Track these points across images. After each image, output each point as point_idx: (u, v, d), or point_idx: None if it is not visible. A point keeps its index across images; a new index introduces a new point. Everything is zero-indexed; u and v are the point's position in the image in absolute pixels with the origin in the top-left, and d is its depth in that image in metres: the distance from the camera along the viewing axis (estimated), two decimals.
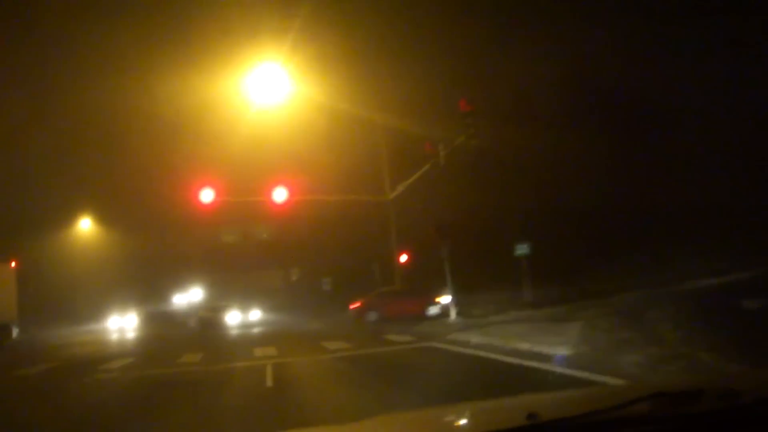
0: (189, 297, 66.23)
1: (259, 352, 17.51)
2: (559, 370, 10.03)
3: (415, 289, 29.85)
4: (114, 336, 33.97)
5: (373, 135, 35.36)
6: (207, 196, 29.59)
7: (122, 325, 39.66)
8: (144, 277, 55.81)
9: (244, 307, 41.12)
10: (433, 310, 27.01)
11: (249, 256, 66.08)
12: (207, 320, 37.30)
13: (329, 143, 38.37)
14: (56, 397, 12.02)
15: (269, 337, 24.83)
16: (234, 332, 31.05)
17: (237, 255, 64.75)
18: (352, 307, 30.11)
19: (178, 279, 63.63)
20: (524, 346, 12.93)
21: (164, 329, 38.37)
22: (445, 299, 27.89)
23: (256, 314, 41.83)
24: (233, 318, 38.25)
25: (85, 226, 50.33)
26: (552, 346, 12.40)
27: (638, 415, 2.30)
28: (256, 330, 31.77)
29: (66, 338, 32.80)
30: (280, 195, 30.51)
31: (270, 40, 29.88)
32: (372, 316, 27.53)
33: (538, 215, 40.51)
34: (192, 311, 55.14)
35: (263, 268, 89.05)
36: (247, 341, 23.01)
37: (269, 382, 11.43)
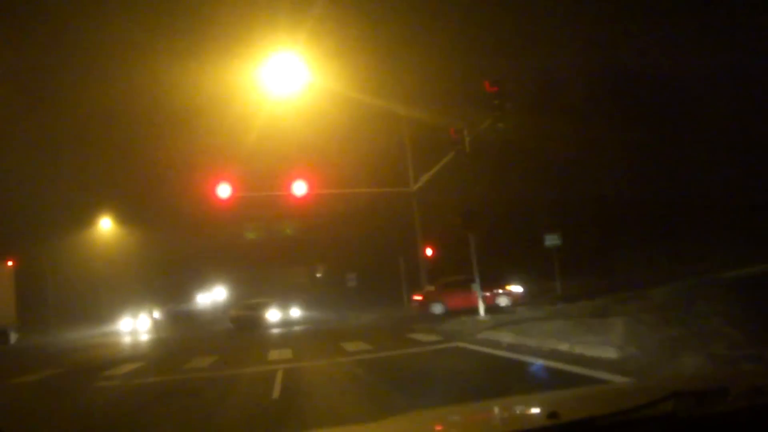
0: (213, 296, 65.63)
1: (274, 354, 16.26)
2: (608, 376, 8.56)
3: (480, 279, 28.22)
4: (127, 339, 32.81)
5: (394, 125, 33.94)
6: (224, 191, 28.59)
7: (136, 326, 37.62)
8: (166, 276, 55.09)
9: (281, 304, 38.57)
10: (502, 300, 25.89)
11: (273, 253, 65.11)
12: (243, 319, 34.40)
13: (349, 135, 37.18)
14: (50, 408, 10.96)
15: (322, 335, 23.45)
16: (275, 331, 29.04)
17: (260, 252, 63.72)
18: (414, 298, 28.72)
19: (201, 278, 62.80)
20: (563, 346, 11.46)
21: (183, 330, 37.28)
22: (516, 288, 27.15)
23: (296, 312, 37.97)
24: (273, 316, 35.24)
25: (106, 226, 49.42)
26: (595, 346, 10.92)
27: (662, 414, 2.26)
28: (300, 328, 30.01)
29: (77, 342, 31.90)
30: (299, 189, 29.29)
31: (286, 29, 28.75)
32: (437, 308, 26.17)
33: (565, 205, 39.02)
34: (217, 310, 54.28)
35: (287, 264, 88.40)
36: (279, 342, 21.66)
37: (275, 393, 10.13)
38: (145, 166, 49.23)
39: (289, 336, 24.13)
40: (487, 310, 20.87)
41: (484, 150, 26.80)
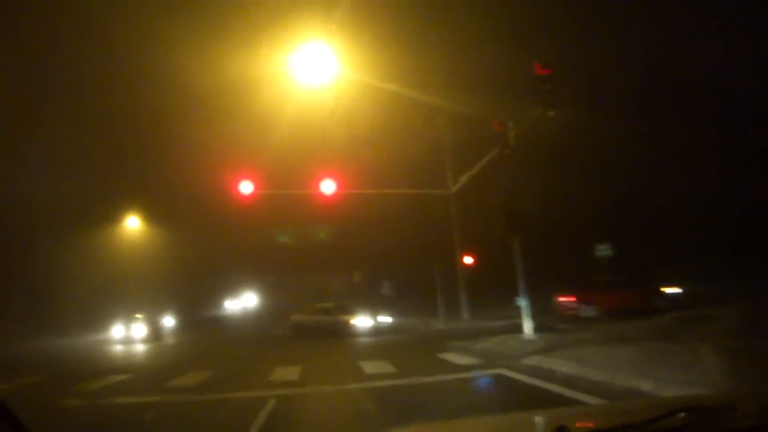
0: (242, 302, 63.32)
1: (279, 374, 13.63)
2: None
3: (633, 279, 25.53)
4: (121, 347, 30.07)
5: (432, 120, 31.29)
6: (246, 187, 26.34)
7: (131, 334, 33.87)
8: (192, 280, 52.93)
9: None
10: (660, 302, 23.22)
11: (307, 258, 62.79)
12: (312, 326, 28.18)
13: (382, 132, 34.36)
14: None
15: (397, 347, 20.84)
16: (366, 341, 24.39)
17: (294, 257, 61.49)
18: (561, 300, 25.48)
19: (230, 283, 60.60)
20: (645, 385, 8.53)
21: (195, 338, 34.79)
22: (673, 291, 24.64)
23: (385, 318, 29.43)
24: (362, 322, 27.51)
25: (132, 224, 47.66)
26: (688, 386, 8.02)
27: (669, 428, 2.29)
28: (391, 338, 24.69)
29: (74, 346, 29.83)
30: (328, 187, 26.90)
31: (316, 16, 26.25)
32: (589, 311, 23.28)
33: (615, 212, 35.72)
34: (248, 317, 51.90)
35: (320, 270, 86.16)
36: (288, 357, 19.01)
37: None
38: (170, 163, 47.22)
39: (303, 349, 21.43)
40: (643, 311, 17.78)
41: (530, 149, 23.90)
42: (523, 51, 26.63)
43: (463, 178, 27.77)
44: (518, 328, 17.92)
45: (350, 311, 28.90)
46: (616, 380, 9.13)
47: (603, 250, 28.34)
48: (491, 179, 31.63)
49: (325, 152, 35.23)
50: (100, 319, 39.30)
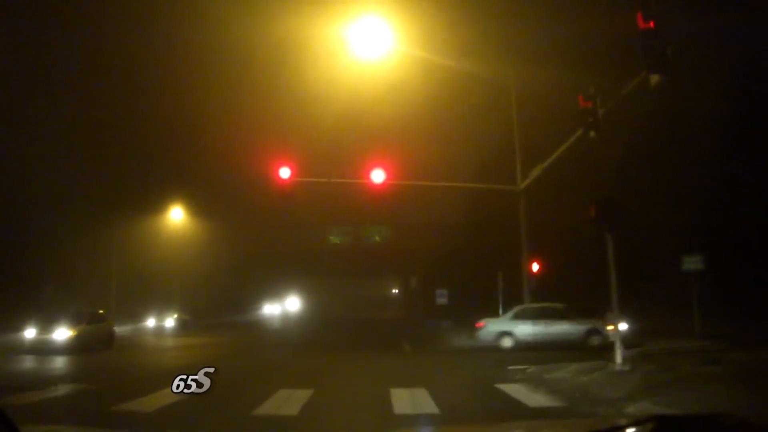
0: (284, 305, 60.33)
1: (275, 402, 9.99)
2: None
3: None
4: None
5: (500, 103, 27.27)
6: (285, 172, 23.01)
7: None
8: (231, 279, 49.94)
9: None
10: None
11: (359, 261, 59.29)
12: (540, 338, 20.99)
13: (440, 117, 30.64)
14: None
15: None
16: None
17: (345, 259, 58.09)
18: None
19: (270, 285, 57.54)
20: None
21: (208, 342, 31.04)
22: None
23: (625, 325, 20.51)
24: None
25: (177, 215, 45.12)
26: None
27: None
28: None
29: None
30: (378, 176, 23.37)
31: None
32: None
33: (713, 216, 30.81)
34: (288, 322, 48.49)
35: (373, 274, 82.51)
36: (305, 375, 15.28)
37: None
38: (213, 151, 44.60)
39: (323, 364, 17.59)
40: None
41: (622, 126, 19.83)
42: (611, 16, 22.36)
43: (535, 171, 23.59)
44: (599, 352, 13.81)
45: (592, 314, 22.13)
46: None
47: (692, 263, 24.02)
48: (567, 173, 27.64)
49: (377, 139, 31.68)
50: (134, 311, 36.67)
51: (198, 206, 44.69)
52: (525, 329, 21.14)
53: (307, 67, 29.07)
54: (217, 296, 49.14)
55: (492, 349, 20.94)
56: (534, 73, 26.21)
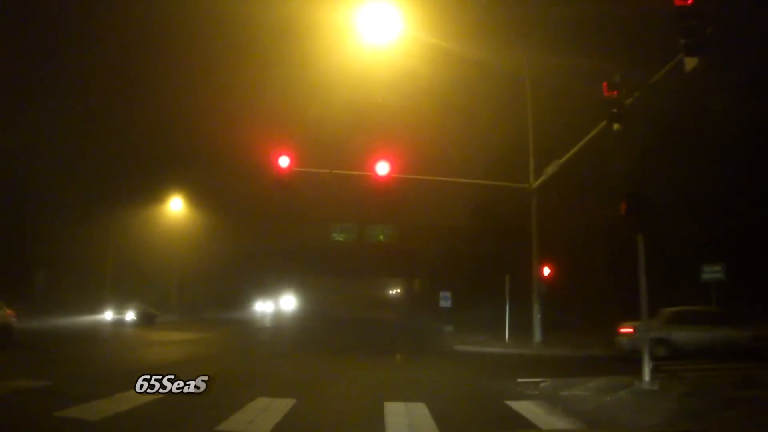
0: (279, 304, 57.60)
1: (245, 416, 8.50)
2: None
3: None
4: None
5: (513, 94, 25.78)
6: (284, 161, 21.63)
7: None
8: (229, 275, 48.24)
9: None
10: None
11: (362, 260, 57.63)
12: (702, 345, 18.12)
13: (449, 109, 29.12)
14: None
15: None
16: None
17: (347, 258, 56.48)
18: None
19: (269, 281, 55.63)
20: None
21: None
22: None
23: None
24: None
25: (177, 206, 43.71)
26: None
27: None
28: None
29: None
30: (382, 169, 22.02)
31: None
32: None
33: (731, 223, 29.10)
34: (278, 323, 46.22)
35: (376, 274, 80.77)
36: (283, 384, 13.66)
37: None
38: (212, 139, 43.15)
39: (315, 368, 16.03)
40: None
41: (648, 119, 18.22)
42: None
43: (550, 168, 22.11)
44: (617, 367, 12.22)
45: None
46: None
47: (713, 273, 22.48)
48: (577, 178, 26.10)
49: (383, 130, 30.21)
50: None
51: (198, 197, 43.33)
52: (684, 336, 18.18)
53: (312, 54, 27.73)
54: (214, 291, 47.60)
55: (500, 357, 19.41)
56: (551, 61, 24.71)
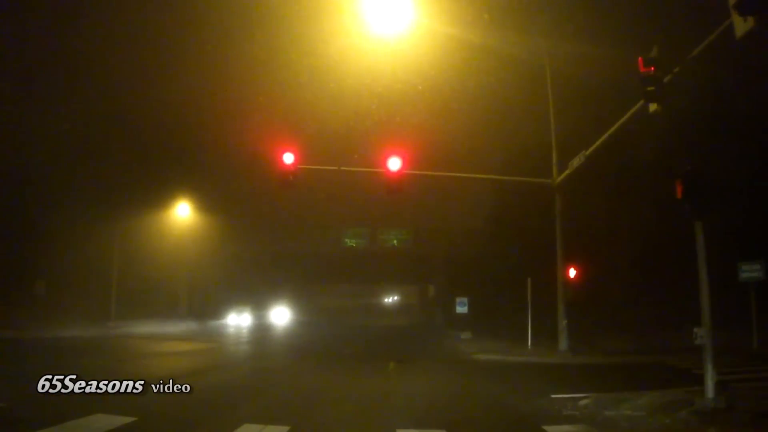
0: (264, 315, 50.30)
1: None
2: None
3: None
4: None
5: (533, 88, 24.11)
6: (288, 158, 20.09)
7: None
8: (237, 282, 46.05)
9: None
10: None
11: (374, 265, 55.91)
12: None
13: (465, 103, 27.43)
14: None
15: None
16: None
17: (359, 263, 54.85)
18: None
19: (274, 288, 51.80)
20: None
21: None
22: None
23: None
24: None
25: (184, 212, 42.15)
26: None
27: None
28: None
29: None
30: (394, 164, 20.45)
31: None
32: None
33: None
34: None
35: (389, 281, 78.95)
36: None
37: None
38: (217, 139, 41.66)
39: (315, 384, 14.17)
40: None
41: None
42: None
43: (576, 161, 20.32)
44: (659, 377, 10.44)
45: None
46: None
47: (751, 272, 21.06)
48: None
49: (394, 126, 28.64)
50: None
51: (205, 202, 41.84)
52: None
53: (317, 45, 26.09)
54: (225, 298, 45.34)
55: (524, 367, 17.68)
56: (573, 49, 22.99)
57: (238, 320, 44.75)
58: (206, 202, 41.63)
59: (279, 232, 47.32)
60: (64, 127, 35.69)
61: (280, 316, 52.42)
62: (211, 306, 45.90)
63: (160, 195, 40.47)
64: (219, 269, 43.88)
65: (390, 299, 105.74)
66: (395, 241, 54.30)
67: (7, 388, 10.19)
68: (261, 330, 38.51)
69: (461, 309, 32.42)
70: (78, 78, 37.61)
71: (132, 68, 40.35)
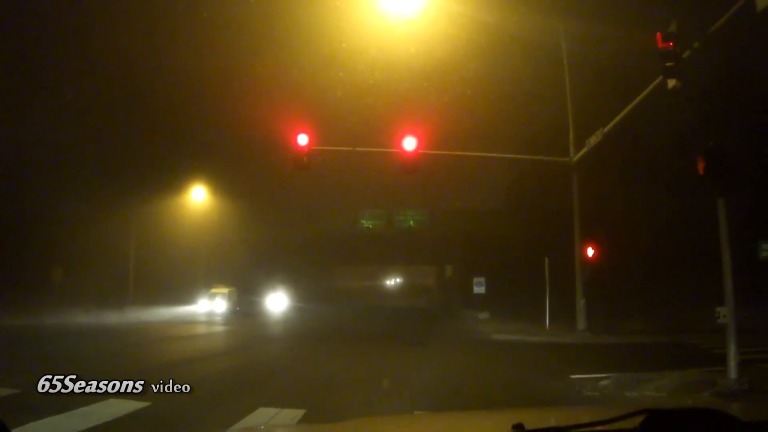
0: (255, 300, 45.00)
1: (255, 421, 6.89)
2: None
3: None
4: None
5: (550, 68, 23.79)
6: (302, 139, 20.01)
7: None
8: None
9: None
10: None
11: (392, 247, 55.75)
12: None
13: (481, 83, 27.11)
14: None
15: None
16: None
17: (376, 244, 54.67)
18: None
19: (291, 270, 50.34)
20: None
21: None
22: None
23: None
24: None
25: (199, 196, 42.24)
26: None
27: (629, 429, 2.09)
28: None
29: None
30: (409, 144, 20.28)
31: None
32: None
33: None
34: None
35: (406, 262, 78.63)
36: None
37: None
38: (229, 119, 41.58)
39: (332, 364, 14.17)
40: None
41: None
42: None
43: (593, 139, 20.08)
44: (678, 356, 10.20)
45: None
46: None
47: None
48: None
49: (409, 106, 28.40)
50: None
51: (221, 186, 41.83)
52: None
53: (332, 26, 25.87)
54: (245, 283, 44.94)
55: (542, 347, 17.61)
56: (590, 29, 22.63)
57: (213, 306, 39.24)
58: (222, 185, 41.64)
59: (297, 215, 47.21)
60: (77, 110, 35.83)
61: (277, 302, 47.36)
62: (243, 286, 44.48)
63: (176, 179, 40.54)
64: (238, 253, 43.77)
65: (404, 280, 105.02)
66: (412, 222, 53.99)
67: (24, 374, 10.23)
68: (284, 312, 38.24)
69: (479, 289, 32.13)
70: (96, 61, 37.71)
71: (148, 53, 40.37)
